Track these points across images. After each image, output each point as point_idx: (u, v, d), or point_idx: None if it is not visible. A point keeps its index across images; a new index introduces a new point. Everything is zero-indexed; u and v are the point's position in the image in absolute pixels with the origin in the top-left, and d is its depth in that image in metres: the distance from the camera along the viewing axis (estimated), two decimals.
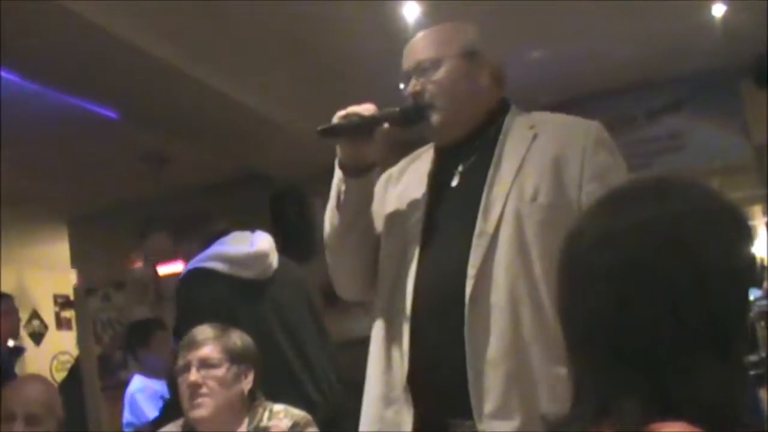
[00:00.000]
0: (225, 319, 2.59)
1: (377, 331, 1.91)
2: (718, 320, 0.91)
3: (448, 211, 1.87)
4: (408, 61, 1.92)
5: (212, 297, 2.77)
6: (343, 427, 2.66)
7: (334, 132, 1.82)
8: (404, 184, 1.97)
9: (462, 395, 1.72)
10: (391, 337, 1.85)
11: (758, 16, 4.77)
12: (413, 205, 1.89)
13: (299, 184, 6.45)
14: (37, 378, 2.83)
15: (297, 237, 5.94)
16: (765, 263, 5.95)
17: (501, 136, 1.87)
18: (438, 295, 1.80)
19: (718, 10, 4.93)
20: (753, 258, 1.00)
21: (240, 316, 2.56)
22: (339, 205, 1.89)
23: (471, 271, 1.75)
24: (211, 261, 2.83)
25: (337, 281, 2.03)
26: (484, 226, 1.78)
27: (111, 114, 5.03)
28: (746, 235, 0.98)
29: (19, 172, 5.44)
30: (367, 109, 1.83)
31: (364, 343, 1.96)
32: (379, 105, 1.87)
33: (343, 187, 1.87)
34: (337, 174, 1.89)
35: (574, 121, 1.91)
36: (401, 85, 1.93)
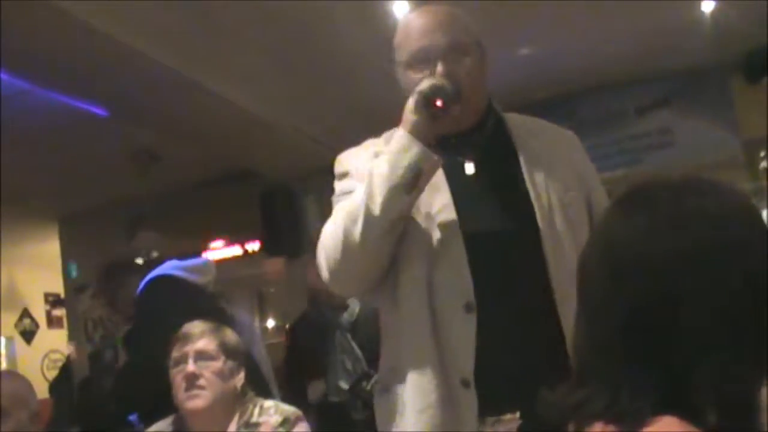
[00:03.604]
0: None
1: (416, 330, 1.74)
2: (759, 320, 0.90)
3: (475, 199, 1.81)
4: (430, 40, 1.77)
5: (177, 302, 2.97)
6: None
7: (436, 95, 1.67)
8: None
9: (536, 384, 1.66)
10: (440, 334, 1.73)
11: (747, 13, 4.79)
12: (431, 189, 1.77)
13: (289, 181, 6.46)
14: (5, 373, 2.80)
15: (286, 234, 6.03)
16: None
17: (512, 129, 1.87)
18: (509, 281, 1.74)
19: (708, 7, 4.95)
20: None
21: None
22: (415, 186, 1.69)
23: (549, 250, 1.73)
24: (174, 270, 3.08)
25: (354, 275, 1.80)
26: (542, 212, 1.77)
27: (102, 112, 5.03)
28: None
29: (9, 170, 5.42)
30: (448, 83, 1.71)
31: None
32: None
33: (425, 166, 1.69)
34: (417, 151, 1.69)
35: (558, 128, 1.98)
36: (412, 65, 1.79)
